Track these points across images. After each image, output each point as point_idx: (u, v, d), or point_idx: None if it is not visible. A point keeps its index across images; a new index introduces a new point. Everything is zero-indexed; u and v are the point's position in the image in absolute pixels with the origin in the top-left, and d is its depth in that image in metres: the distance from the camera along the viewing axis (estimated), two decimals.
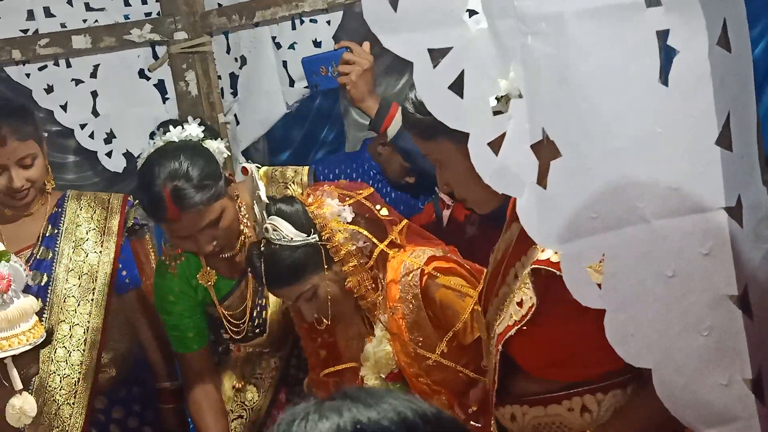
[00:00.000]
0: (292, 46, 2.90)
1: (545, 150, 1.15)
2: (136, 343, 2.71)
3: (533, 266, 1.57)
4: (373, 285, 2.16)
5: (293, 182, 2.50)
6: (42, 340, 1.82)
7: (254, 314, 2.52)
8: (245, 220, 2.40)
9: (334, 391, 0.96)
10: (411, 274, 2.12)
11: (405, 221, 2.24)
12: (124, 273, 2.63)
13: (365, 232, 2.16)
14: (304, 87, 2.92)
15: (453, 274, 2.14)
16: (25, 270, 1.78)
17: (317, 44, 2.85)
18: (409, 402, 0.92)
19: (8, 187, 2.44)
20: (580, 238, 1.18)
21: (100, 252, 2.58)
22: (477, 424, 2.14)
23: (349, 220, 2.15)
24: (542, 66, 1.13)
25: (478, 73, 1.13)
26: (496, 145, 1.15)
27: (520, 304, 1.62)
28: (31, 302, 1.82)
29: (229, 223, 2.33)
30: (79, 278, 2.56)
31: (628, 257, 1.19)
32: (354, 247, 2.14)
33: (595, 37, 1.15)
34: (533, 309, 1.59)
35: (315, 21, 2.86)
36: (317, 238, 2.14)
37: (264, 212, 2.13)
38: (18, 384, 1.74)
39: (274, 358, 2.62)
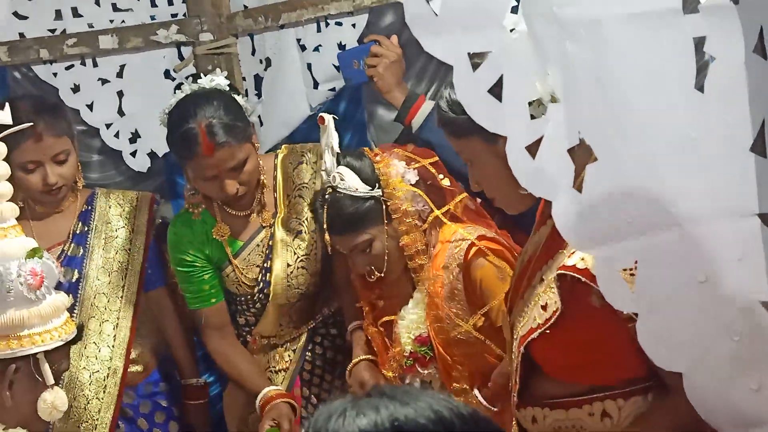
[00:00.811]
0: (316, 49, 2.92)
1: (581, 154, 1.17)
2: (162, 340, 2.74)
3: (559, 271, 1.58)
4: (424, 248, 2.25)
5: (307, 161, 2.58)
6: (73, 336, 1.84)
7: (259, 278, 2.56)
8: (263, 178, 2.53)
9: (372, 387, 0.97)
10: (459, 245, 2.21)
11: (465, 194, 2.31)
12: (149, 271, 2.66)
13: (425, 196, 2.26)
14: (329, 90, 2.95)
15: (499, 257, 2.21)
16: (57, 267, 1.80)
17: (342, 47, 2.87)
18: (445, 401, 0.93)
19: (43, 183, 2.47)
20: (614, 241, 1.19)
21: (129, 249, 2.62)
22: (492, 407, 2.19)
23: (413, 182, 2.26)
24: (580, 71, 1.15)
25: (517, 77, 1.14)
26: (533, 149, 1.17)
27: (544, 307, 1.64)
28: (63, 299, 1.84)
29: (252, 169, 2.45)
30: (109, 275, 2.60)
31: (661, 262, 1.20)
32: (412, 208, 2.24)
33: (632, 43, 1.16)
34: (557, 313, 1.60)
35: (340, 24, 2.88)
36: (380, 194, 2.25)
37: (334, 162, 2.25)
38: (50, 379, 1.76)
39: (288, 351, 2.65)
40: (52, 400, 1.77)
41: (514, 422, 1.80)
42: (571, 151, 1.16)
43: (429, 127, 2.41)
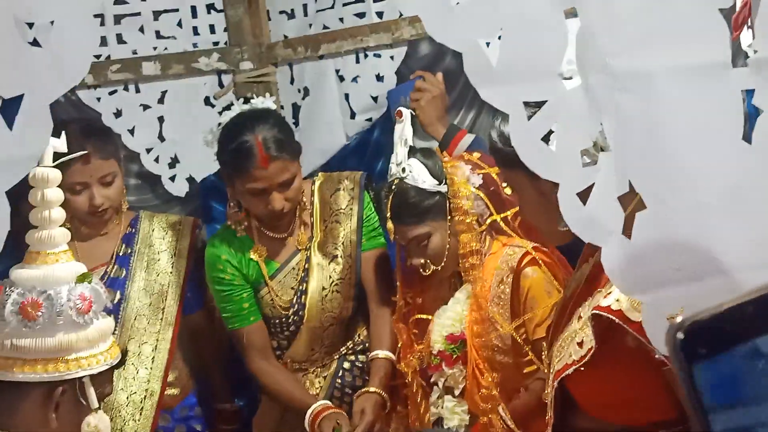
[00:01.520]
0: (354, 80, 2.97)
1: (631, 202, 1.19)
2: (199, 364, 2.76)
3: (594, 311, 1.61)
4: (478, 249, 2.31)
5: (344, 188, 2.66)
6: (117, 360, 1.87)
7: (293, 300, 2.59)
8: (304, 200, 2.60)
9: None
10: (514, 252, 2.28)
11: None
12: (188, 294, 2.69)
13: (486, 200, 2.33)
14: (366, 120, 2.99)
15: (551, 270, 2.27)
16: (105, 292, 1.83)
17: (380, 78, 2.93)
18: None
19: (89, 204, 2.52)
20: (662, 288, 1.21)
21: (171, 272, 2.66)
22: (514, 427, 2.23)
23: (476, 185, 2.34)
24: (631, 121, 1.17)
25: (570, 125, 1.17)
26: (584, 196, 1.20)
27: (580, 344, 1.66)
28: (109, 323, 1.87)
29: (298, 187, 2.54)
30: (150, 297, 2.64)
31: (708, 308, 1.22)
32: (473, 209, 2.32)
33: (682, 95, 1.19)
34: (591, 351, 1.62)
35: (379, 56, 2.93)
36: (445, 190, 2.33)
37: (406, 154, 2.34)
38: (94, 402, 1.79)
39: (319, 378, 2.67)
40: (96, 424, 1.79)
41: None
42: (621, 198, 1.19)
43: None
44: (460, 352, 2.30)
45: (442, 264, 2.35)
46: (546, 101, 1.17)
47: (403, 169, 2.34)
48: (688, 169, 1.19)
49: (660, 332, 1.21)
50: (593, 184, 1.19)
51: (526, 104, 1.17)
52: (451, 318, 2.34)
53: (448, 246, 2.33)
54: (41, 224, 1.79)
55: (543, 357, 1.88)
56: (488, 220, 2.34)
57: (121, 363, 1.89)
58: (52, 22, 0.96)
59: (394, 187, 2.36)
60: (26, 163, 0.98)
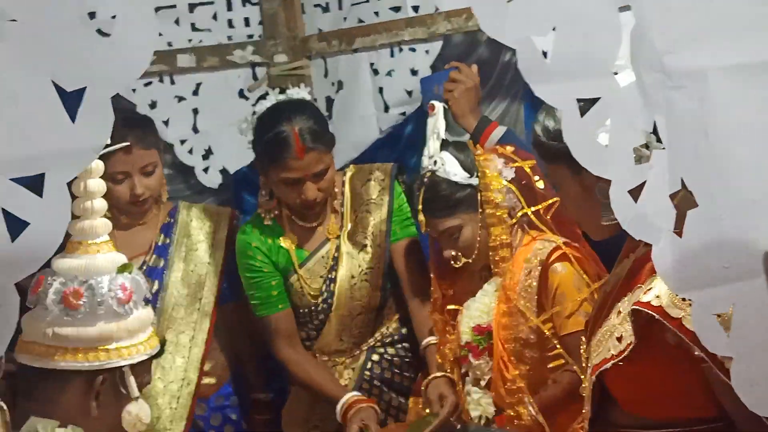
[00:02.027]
0: (389, 74, 2.98)
1: (682, 200, 1.19)
2: (234, 354, 2.78)
3: (634, 307, 1.61)
4: (508, 242, 2.32)
5: (375, 179, 2.68)
6: (157, 350, 1.88)
7: (322, 288, 2.60)
8: (335, 190, 2.62)
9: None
10: (545, 246, 2.29)
11: (557, 199, 2.35)
12: (225, 285, 2.71)
13: (518, 193, 2.33)
14: (399, 114, 2.99)
15: (581, 265, 2.27)
16: (145, 283, 1.85)
17: (414, 73, 2.92)
18: None
19: (131, 194, 2.53)
20: (712, 286, 1.21)
21: (208, 263, 2.68)
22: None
23: (509, 179, 2.34)
24: (684, 119, 1.17)
25: (624, 123, 1.17)
26: (635, 193, 1.19)
27: (619, 339, 1.66)
28: (149, 313, 1.88)
29: (331, 178, 2.56)
30: (187, 288, 2.65)
31: (757, 307, 1.22)
32: (504, 202, 2.32)
33: (734, 94, 1.19)
34: (630, 347, 1.62)
35: (414, 50, 2.93)
36: (476, 182, 2.34)
37: (438, 147, 2.36)
38: (135, 392, 1.80)
39: (347, 370, 2.68)
40: (137, 413, 1.80)
41: None
42: (672, 196, 1.19)
43: None
44: (487, 343, 2.32)
45: (473, 256, 2.36)
46: (599, 98, 1.17)
47: (435, 162, 2.35)
48: (740, 167, 1.19)
49: (709, 330, 1.21)
50: (645, 181, 1.19)
51: (579, 101, 1.17)
52: (479, 310, 2.35)
53: (479, 238, 2.34)
54: (84, 214, 1.80)
55: (581, 352, 1.88)
56: (519, 214, 2.35)
57: (160, 353, 1.91)
58: (113, 16, 0.97)
59: (426, 179, 2.37)
60: (88, 156, 0.99)
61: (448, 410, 2.37)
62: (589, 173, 1.60)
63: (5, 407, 1.51)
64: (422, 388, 2.50)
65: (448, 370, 2.45)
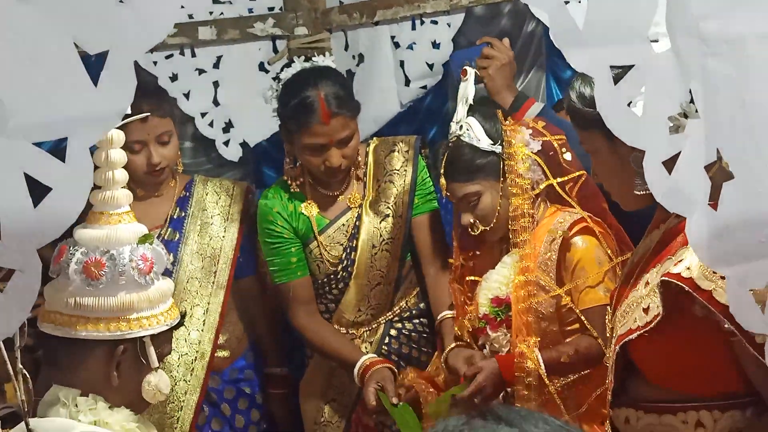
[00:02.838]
0: (410, 47, 2.95)
1: (718, 171, 1.16)
2: (249, 328, 2.78)
3: (663, 278, 1.58)
4: (530, 212, 2.30)
5: (399, 150, 2.67)
6: (177, 321, 1.88)
7: (343, 256, 2.61)
8: (359, 159, 2.62)
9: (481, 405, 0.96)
10: (565, 219, 2.27)
11: (583, 172, 2.34)
12: (241, 259, 2.70)
13: (543, 165, 2.32)
14: (420, 87, 2.96)
15: (605, 241, 2.25)
16: (165, 254, 1.84)
17: (436, 45, 2.89)
18: (564, 428, 0.92)
19: (147, 163, 2.53)
20: (747, 261, 1.18)
21: (223, 237, 2.67)
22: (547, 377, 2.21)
23: (535, 150, 2.31)
24: (721, 87, 1.14)
25: (658, 91, 1.14)
26: (669, 164, 1.16)
27: (645, 310, 1.65)
28: (170, 284, 1.88)
29: (355, 145, 2.56)
30: (202, 261, 2.65)
31: None
32: (528, 173, 2.30)
33: None
34: (658, 318, 1.60)
35: (435, 22, 2.90)
36: (500, 150, 2.32)
37: (465, 113, 2.34)
38: (155, 362, 1.80)
39: (365, 343, 2.68)
40: (156, 383, 1.80)
41: (607, 422, 1.81)
42: (708, 168, 1.15)
43: None
44: (504, 315, 2.31)
45: (491, 225, 2.34)
46: (633, 65, 1.14)
47: (461, 127, 2.34)
48: None
49: (744, 306, 1.18)
50: (679, 152, 1.16)
51: (613, 68, 1.14)
52: (497, 281, 2.34)
53: (498, 207, 2.32)
54: (105, 185, 1.79)
55: (604, 324, 1.86)
56: (543, 185, 2.32)
57: (180, 324, 1.91)
58: None
59: (450, 144, 2.36)
60: (111, 120, 0.98)
61: (484, 375, 2.28)
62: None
63: (28, 375, 1.51)
64: (442, 362, 2.48)
65: (468, 341, 2.44)
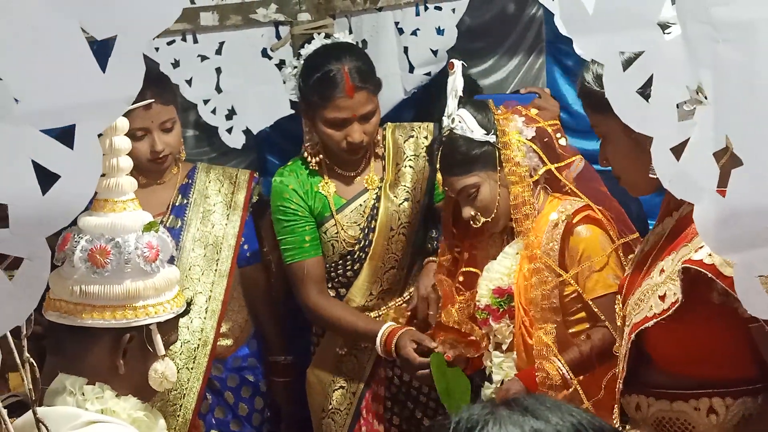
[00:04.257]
0: (414, 33, 2.94)
1: (727, 158, 1.16)
2: (253, 316, 2.78)
3: (684, 265, 1.58)
4: (530, 201, 2.29)
5: (418, 136, 2.68)
6: (183, 309, 1.88)
7: (360, 236, 2.61)
8: (378, 138, 2.62)
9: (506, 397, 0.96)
10: (566, 209, 2.26)
11: (580, 157, 2.35)
12: (245, 247, 2.70)
13: (539, 151, 2.31)
14: (424, 74, 2.95)
15: (602, 228, 2.25)
16: (171, 241, 1.83)
17: (440, 32, 2.88)
18: (589, 418, 0.91)
19: (151, 150, 2.52)
20: (755, 248, 1.18)
21: (226, 224, 2.67)
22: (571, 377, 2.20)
23: (529, 137, 2.31)
24: (731, 73, 1.13)
25: (667, 78, 1.13)
26: (678, 151, 1.16)
27: (662, 297, 1.65)
28: (175, 272, 1.87)
29: (376, 122, 2.57)
30: (204, 248, 2.65)
31: None
32: (525, 161, 2.29)
33: None
34: (676, 305, 1.60)
35: (440, 8, 2.89)
36: (494, 140, 2.31)
37: (456, 105, 2.33)
38: (161, 350, 1.80)
39: None
40: (163, 371, 1.80)
41: (616, 408, 1.82)
42: (717, 154, 1.15)
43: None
44: (507, 306, 2.30)
45: (492, 216, 2.33)
46: (643, 51, 1.13)
47: (453, 120, 2.33)
48: None
49: (751, 292, 1.18)
50: (688, 138, 1.15)
51: (622, 54, 1.13)
52: (499, 272, 2.34)
53: (498, 197, 2.31)
54: (110, 172, 1.78)
55: (615, 312, 1.86)
56: (540, 171, 2.32)
57: (186, 312, 1.90)
58: None
59: (444, 138, 2.35)
60: (119, 106, 0.97)
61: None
62: None
63: (35, 364, 1.51)
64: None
65: (465, 328, 2.43)
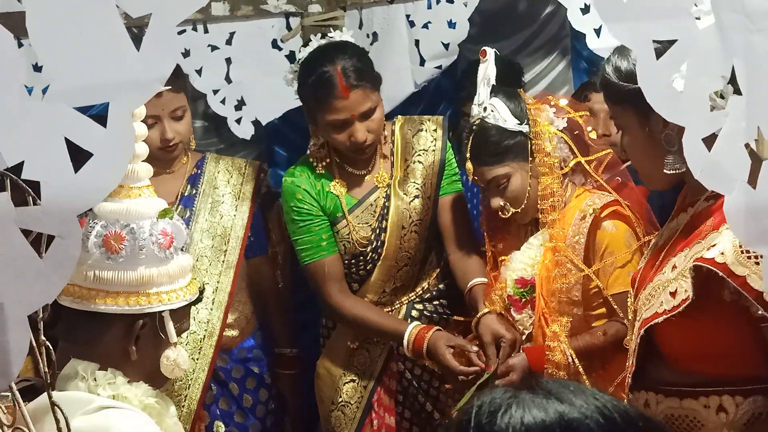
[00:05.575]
0: (425, 26, 2.93)
1: (759, 149, 1.15)
2: (259, 307, 2.77)
3: (696, 263, 1.57)
4: (560, 192, 2.28)
5: (427, 129, 2.64)
6: (196, 297, 1.87)
7: (372, 237, 2.59)
8: (386, 134, 2.58)
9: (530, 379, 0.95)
10: (594, 203, 2.25)
11: (610, 150, 2.33)
12: (252, 239, 2.69)
13: (570, 142, 2.29)
14: (435, 67, 2.94)
15: (630, 225, 2.23)
16: (185, 228, 1.83)
17: (452, 25, 2.87)
18: (614, 402, 0.91)
19: (161, 138, 2.51)
20: None
21: (234, 215, 2.65)
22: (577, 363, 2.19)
23: (560, 128, 2.29)
24: (764, 64, 1.12)
25: (700, 67, 1.13)
26: (709, 141, 1.15)
27: (673, 294, 1.64)
28: (189, 260, 1.86)
29: (380, 118, 2.51)
30: (212, 239, 2.64)
31: None
32: (556, 152, 2.28)
33: None
34: (687, 302, 1.59)
35: (451, 1, 2.88)
36: (527, 130, 2.28)
37: (488, 94, 2.30)
38: (173, 337, 1.79)
39: None
40: (175, 358, 1.79)
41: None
42: (749, 145, 1.14)
43: None
44: (529, 296, 2.29)
45: (522, 207, 2.31)
46: (676, 40, 1.12)
47: (485, 109, 2.31)
48: None
49: None
50: (720, 129, 1.15)
51: (655, 42, 1.13)
52: (522, 262, 2.32)
53: (528, 188, 2.30)
54: None
55: (629, 306, 1.86)
56: (571, 163, 2.31)
57: (199, 299, 1.90)
58: None
59: (474, 127, 2.32)
60: (153, 85, 0.96)
61: (517, 375, 2.27)
62: (657, 119, 1.57)
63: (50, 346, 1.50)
64: (473, 325, 2.43)
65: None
